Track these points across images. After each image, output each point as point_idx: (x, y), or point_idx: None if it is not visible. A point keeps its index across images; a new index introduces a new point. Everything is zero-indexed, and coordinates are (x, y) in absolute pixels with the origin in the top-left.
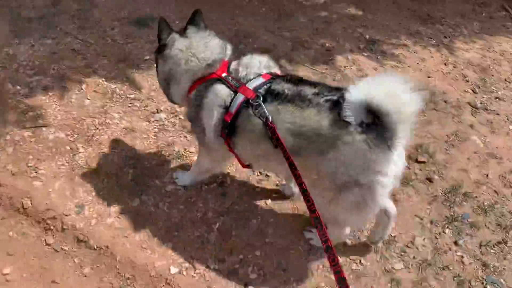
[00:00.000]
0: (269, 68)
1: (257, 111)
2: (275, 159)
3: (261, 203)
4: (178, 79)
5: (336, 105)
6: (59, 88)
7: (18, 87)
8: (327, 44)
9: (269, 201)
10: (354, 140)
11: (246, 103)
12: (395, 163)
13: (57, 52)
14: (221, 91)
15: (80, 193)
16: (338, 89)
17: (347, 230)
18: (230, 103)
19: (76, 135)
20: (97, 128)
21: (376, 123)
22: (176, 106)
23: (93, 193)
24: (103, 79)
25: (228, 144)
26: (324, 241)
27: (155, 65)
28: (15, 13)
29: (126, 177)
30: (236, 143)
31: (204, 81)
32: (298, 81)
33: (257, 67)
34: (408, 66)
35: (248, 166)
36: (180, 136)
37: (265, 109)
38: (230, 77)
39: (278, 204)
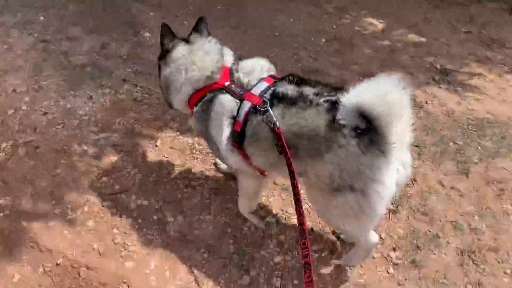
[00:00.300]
0: (270, 71)
1: (265, 116)
2: (281, 163)
3: None
4: (179, 86)
5: (334, 107)
6: (130, 145)
7: (85, 147)
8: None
9: None
10: (348, 144)
11: (254, 110)
12: (395, 170)
13: (118, 103)
14: (227, 101)
15: (181, 272)
16: (338, 89)
17: (372, 237)
18: (237, 111)
19: (161, 202)
20: (183, 192)
21: (370, 128)
22: None
23: (196, 271)
24: (177, 133)
25: (243, 154)
26: (304, 255)
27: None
28: (64, 60)
29: (227, 248)
30: (248, 151)
31: (207, 91)
32: (301, 81)
33: (259, 71)
34: (492, 98)
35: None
36: (274, 195)
37: (272, 114)
38: (233, 86)
39: None
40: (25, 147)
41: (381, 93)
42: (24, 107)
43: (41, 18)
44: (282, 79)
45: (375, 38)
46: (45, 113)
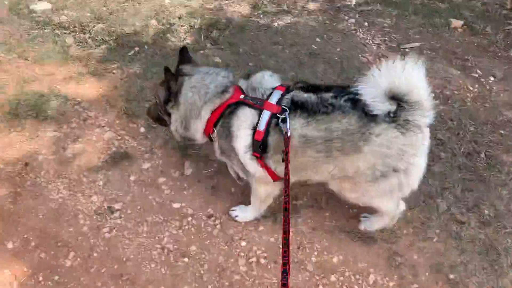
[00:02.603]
0: (278, 81)
1: (284, 124)
2: (311, 168)
3: None
4: (198, 114)
5: (357, 103)
6: None
7: None
8: None
9: None
10: (387, 130)
11: (274, 118)
12: (427, 140)
13: None
14: (246, 112)
15: None
16: (347, 87)
17: (401, 206)
18: (257, 122)
19: None
20: None
21: (401, 108)
22: None
23: None
24: None
25: (263, 162)
26: (283, 263)
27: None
28: None
29: None
30: (270, 159)
31: (225, 107)
32: (314, 88)
33: (269, 82)
34: None
35: (279, 178)
36: None
37: (288, 122)
38: (249, 97)
39: None
40: None
41: (406, 73)
42: None
43: None
44: (294, 87)
45: None
46: None
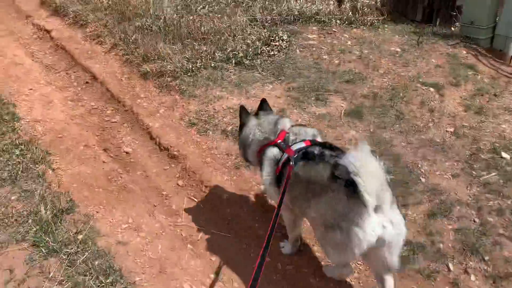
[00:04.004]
0: (314, 136)
1: (292, 163)
2: (308, 206)
3: None
4: (250, 145)
5: (337, 165)
6: None
7: None
8: None
9: None
10: (339, 190)
11: (289, 159)
12: (377, 223)
13: None
14: (274, 152)
15: None
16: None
17: (345, 270)
18: (279, 160)
19: None
20: None
21: (355, 182)
22: None
23: None
24: None
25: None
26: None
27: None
28: None
29: None
30: (281, 187)
31: (266, 147)
32: (327, 146)
33: (303, 135)
34: None
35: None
36: None
37: (293, 161)
38: (282, 143)
39: None
40: None
41: (363, 160)
42: None
43: None
44: (317, 143)
45: None
46: None
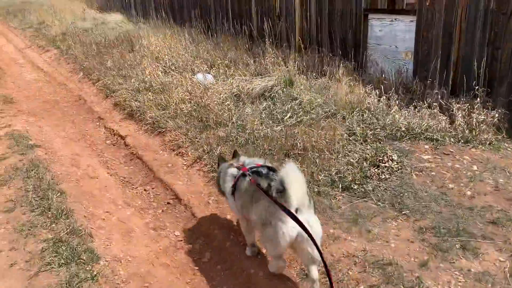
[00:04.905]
0: (262, 162)
1: (249, 176)
2: (251, 209)
3: None
4: (224, 180)
5: (273, 178)
6: None
7: None
8: None
9: None
10: (272, 196)
11: (243, 175)
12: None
13: None
14: (232, 171)
15: None
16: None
17: (281, 263)
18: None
19: None
20: None
21: (283, 190)
22: None
23: None
24: None
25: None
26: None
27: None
28: None
29: None
30: (235, 197)
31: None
32: (272, 168)
33: (256, 161)
34: None
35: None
36: None
37: (250, 175)
38: (240, 166)
39: None
40: None
41: (289, 173)
42: None
43: None
44: (265, 166)
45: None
46: None
